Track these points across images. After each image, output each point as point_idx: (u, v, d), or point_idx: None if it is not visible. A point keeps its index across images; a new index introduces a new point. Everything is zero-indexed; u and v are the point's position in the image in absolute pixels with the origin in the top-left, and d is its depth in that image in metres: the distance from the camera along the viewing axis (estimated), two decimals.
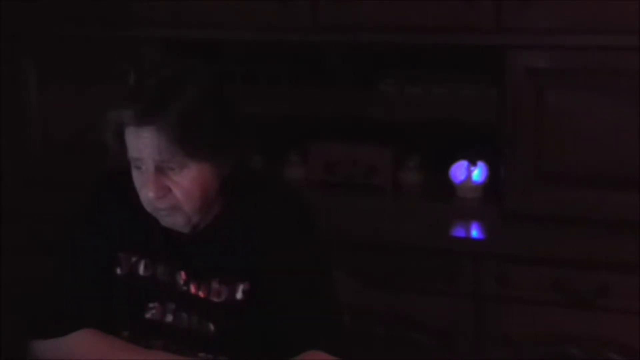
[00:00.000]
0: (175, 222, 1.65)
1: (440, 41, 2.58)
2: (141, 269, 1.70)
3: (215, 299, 1.67)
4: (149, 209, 1.64)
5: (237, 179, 1.68)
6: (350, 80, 2.91)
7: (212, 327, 1.67)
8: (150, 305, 1.69)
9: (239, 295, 1.66)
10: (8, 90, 2.98)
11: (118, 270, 1.70)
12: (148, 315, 1.69)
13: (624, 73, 2.40)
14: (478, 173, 2.72)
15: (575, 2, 2.41)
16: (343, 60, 2.90)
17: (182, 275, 1.69)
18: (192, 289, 1.68)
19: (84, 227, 1.77)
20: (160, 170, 1.59)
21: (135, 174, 1.64)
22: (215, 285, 1.67)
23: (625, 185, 2.43)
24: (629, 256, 2.31)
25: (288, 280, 1.65)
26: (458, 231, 2.58)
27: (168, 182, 1.60)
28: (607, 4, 2.38)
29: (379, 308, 2.49)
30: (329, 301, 1.68)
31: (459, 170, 2.72)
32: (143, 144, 1.57)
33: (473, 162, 2.72)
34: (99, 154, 2.88)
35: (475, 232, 2.58)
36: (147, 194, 1.60)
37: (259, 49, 2.93)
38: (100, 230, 1.73)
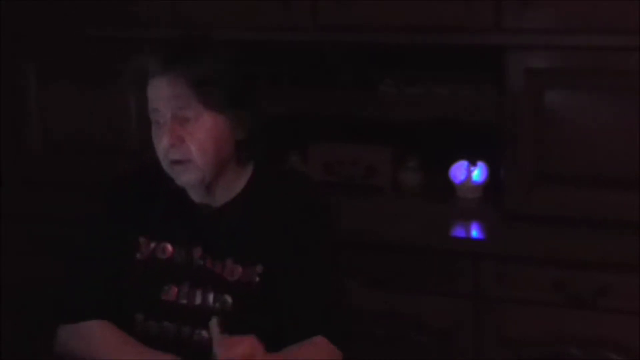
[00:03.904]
0: (190, 178, 1.70)
1: (440, 41, 2.58)
2: (159, 253, 1.75)
3: (229, 277, 1.70)
4: (165, 165, 1.71)
5: (251, 148, 1.76)
6: (350, 80, 2.91)
7: (229, 300, 1.69)
8: (166, 287, 1.72)
9: (255, 277, 1.70)
10: (8, 90, 2.98)
11: (138, 255, 1.75)
12: (163, 297, 1.72)
13: (624, 73, 2.40)
14: (478, 173, 2.72)
15: (575, 2, 2.41)
16: (343, 60, 2.90)
17: (199, 250, 1.73)
18: (208, 264, 1.72)
19: (105, 216, 1.82)
20: (176, 119, 1.66)
21: (154, 130, 1.71)
22: (229, 263, 1.71)
23: (625, 185, 2.43)
24: (629, 256, 2.31)
25: (299, 269, 1.69)
26: (458, 231, 2.58)
27: (183, 133, 1.67)
28: (607, 4, 2.38)
29: (379, 308, 2.49)
30: (337, 293, 1.73)
31: (459, 170, 2.72)
32: (161, 91, 1.66)
33: (473, 162, 2.72)
34: (99, 154, 2.90)
35: (475, 232, 2.58)
36: (162, 143, 1.67)
37: (259, 49, 2.93)
38: (121, 218, 1.79)
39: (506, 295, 2.43)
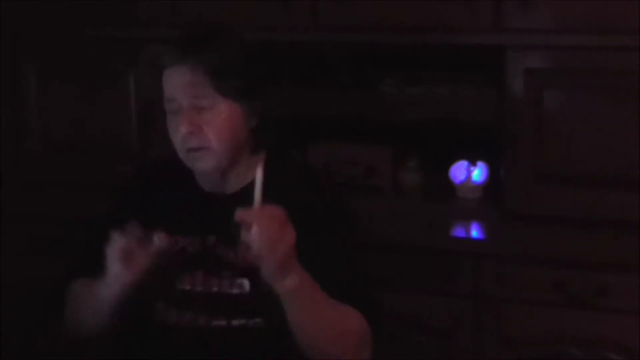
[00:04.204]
0: (206, 165, 1.74)
1: (440, 41, 2.58)
2: (173, 245, 1.76)
3: (241, 263, 1.71)
4: (182, 153, 1.74)
5: (263, 137, 1.80)
6: (350, 80, 2.91)
7: (247, 284, 1.71)
8: (181, 276, 1.75)
9: None
10: (8, 91, 2.98)
11: None
12: (180, 286, 1.75)
13: (624, 73, 2.40)
14: (478, 173, 2.72)
15: (575, 2, 2.41)
16: (343, 60, 2.90)
17: (212, 238, 1.76)
18: (222, 251, 1.75)
19: (115, 212, 1.86)
20: (193, 108, 1.70)
21: (170, 120, 1.75)
22: (242, 251, 1.71)
23: (625, 185, 2.43)
24: (629, 256, 2.31)
25: (317, 251, 1.69)
26: (458, 231, 2.58)
27: (201, 122, 1.70)
28: (607, 4, 2.38)
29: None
30: (359, 274, 1.77)
31: (459, 170, 2.72)
32: (179, 82, 1.71)
33: (473, 162, 2.72)
34: (99, 154, 2.90)
35: (475, 232, 2.58)
36: (180, 131, 1.71)
37: (259, 49, 2.93)
38: (135, 213, 1.79)
39: (506, 295, 2.43)
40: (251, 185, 1.76)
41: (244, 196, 1.75)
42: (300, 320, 1.62)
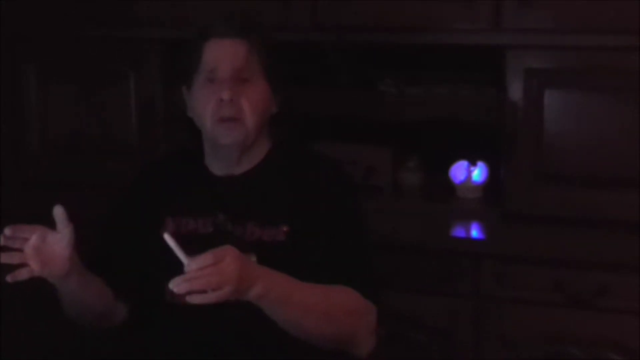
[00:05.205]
0: (235, 138, 1.78)
1: (440, 41, 2.58)
2: (183, 227, 1.82)
3: (250, 239, 1.76)
4: (212, 123, 1.78)
5: (282, 124, 1.88)
6: (350, 80, 2.90)
7: (254, 259, 1.73)
8: (191, 255, 1.75)
9: (280, 236, 1.76)
10: (8, 91, 2.98)
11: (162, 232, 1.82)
12: None
13: (624, 73, 2.40)
14: (478, 173, 2.72)
15: (575, 2, 2.41)
16: (343, 60, 2.90)
17: (221, 216, 1.80)
18: (230, 228, 1.79)
19: (129, 199, 1.93)
20: (235, 79, 1.77)
21: (201, 89, 1.80)
22: (250, 226, 1.77)
23: (625, 185, 2.43)
24: (629, 256, 2.31)
25: (327, 227, 1.75)
26: (458, 231, 2.58)
27: (240, 92, 1.77)
28: (607, 4, 2.38)
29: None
30: (367, 249, 1.82)
31: (458, 171, 2.72)
32: (226, 51, 1.79)
33: (473, 162, 2.72)
34: (98, 154, 2.90)
35: (475, 233, 2.58)
36: (215, 99, 1.76)
37: None
38: (147, 200, 1.88)
39: (506, 295, 2.43)
40: (258, 166, 1.86)
41: (252, 176, 1.84)
42: (278, 318, 1.66)
